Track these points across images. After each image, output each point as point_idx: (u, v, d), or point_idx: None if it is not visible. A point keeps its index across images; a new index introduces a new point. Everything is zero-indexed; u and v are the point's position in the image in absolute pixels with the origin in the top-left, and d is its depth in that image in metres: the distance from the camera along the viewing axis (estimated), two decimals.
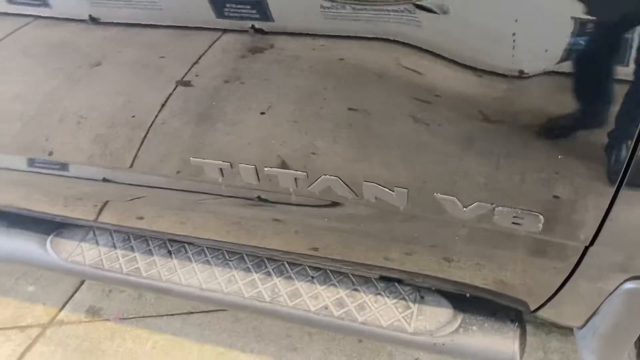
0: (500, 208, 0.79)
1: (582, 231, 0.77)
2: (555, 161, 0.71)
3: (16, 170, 1.17)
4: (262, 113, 0.85)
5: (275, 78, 0.81)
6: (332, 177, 0.88)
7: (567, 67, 0.64)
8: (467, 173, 0.78)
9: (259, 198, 0.99)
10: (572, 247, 0.81)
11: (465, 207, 0.81)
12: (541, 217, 0.77)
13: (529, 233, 0.81)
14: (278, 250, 1.14)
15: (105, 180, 1.10)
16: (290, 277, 1.17)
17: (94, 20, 0.89)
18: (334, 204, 0.94)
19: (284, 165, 0.89)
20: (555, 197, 0.75)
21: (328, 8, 0.72)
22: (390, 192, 0.85)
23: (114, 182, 1.09)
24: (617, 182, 0.70)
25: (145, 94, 0.93)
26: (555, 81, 0.65)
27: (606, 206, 0.73)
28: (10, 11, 0.94)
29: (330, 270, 1.17)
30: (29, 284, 1.72)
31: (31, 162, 1.14)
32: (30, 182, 1.19)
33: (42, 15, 0.92)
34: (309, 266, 1.19)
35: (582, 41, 0.62)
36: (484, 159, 0.75)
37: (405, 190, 0.84)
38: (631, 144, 0.67)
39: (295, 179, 0.90)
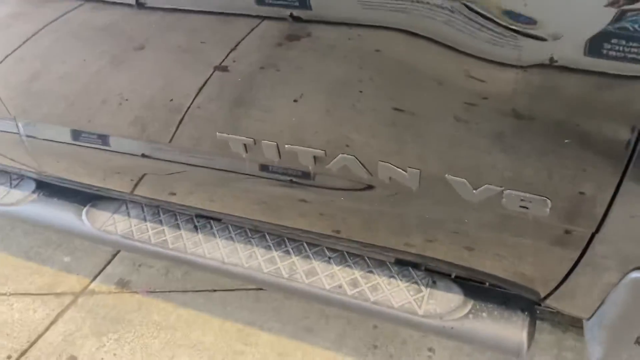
0: (508, 191, 0.82)
1: (588, 217, 0.79)
2: (562, 146, 0.74)
3: (61, 142, 1.25)
4: (295, 101, 0.90)
5: (309, 66, 0.86)
6: (349, 155, 0.92)
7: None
8: (476, 156, 0.81)
9: (291, 181, 1.04)
10: (579, 233, 0.83)
11: (475, 189, 0.84)
12: (548, 201, 0.80)
13: (537, 217, 0.83)
14: (300, 230, 1.18)
15: (144, 155, 1.17)
16: (308, 257, 1.22)
17: (140, 4, 0.95)
18: (356, 187, 0.98)
19: (304, 143, 0.94)
20: (562, 181, 0.77)
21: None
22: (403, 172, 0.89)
23: (152, 157, 1.16)
24: (622, 172, 0.72)
25: (185, 77, 0.99)
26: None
27: (611, 194, 0.75)
28: None
29: (347, 252, 1.21)
30: (64, 255, 1.81)
31: (76, 135, 1.22)
32: (74, 154, 1.27)
33: None
34: (327, 247, 1.23)
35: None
36: (493, 142, 0.78)
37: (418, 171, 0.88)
38: (634, 134, 0.68)
39: (315, 157, 0.94)
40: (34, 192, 1.49)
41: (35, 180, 1.50)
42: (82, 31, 1.05)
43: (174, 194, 1.26)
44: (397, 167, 0.90)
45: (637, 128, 0.68)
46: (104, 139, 1.19)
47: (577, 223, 0.81)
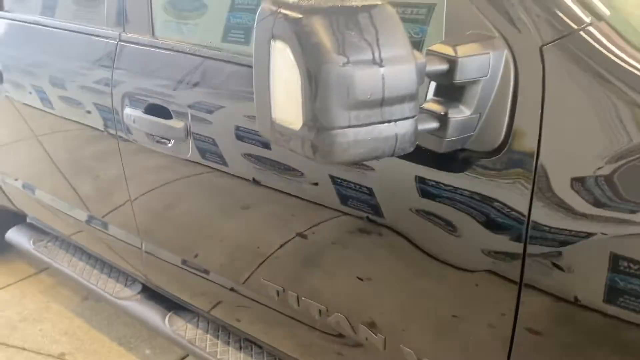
0: None
1: None
2: None
3: (173, 264, 1.71)
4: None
5: None
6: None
7: None
8: None
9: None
10: None
11: None
12: None
13: None
14: None
15: (232, 289, 1.58)
16: None
17: (256, 182, 1.35)
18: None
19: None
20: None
21: None
22: None
23: (236, 292, 1.57)
24: None
25: (271, 235, 1.39)
26: None
27: None
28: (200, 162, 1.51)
29: None
30: (147, 348, 2.25)
31: (184, 262, 1.68)
32: (179, 276, 1.72)
33: (221, 169, 1.42)
34: None
35: None
36: None
37: None
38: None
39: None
40: (139, 293, 1.98)
41: (142, 284, 1.99)
42: (211, 189, 1.52)
43: (239, 320, 1.65)
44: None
45: None
46: (206, 272, 1.63)
47: None
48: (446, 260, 1.05)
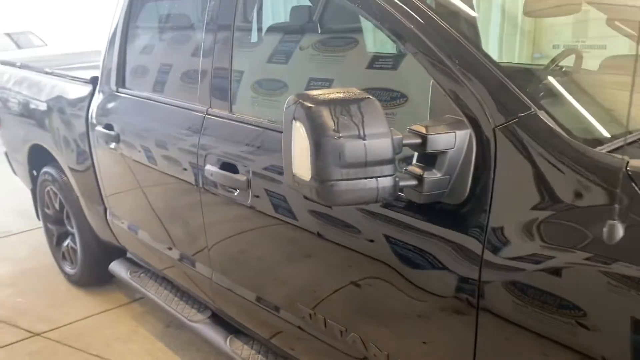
0: None
1: None
2: None
3: (242, 297, 2.08)
4: None
5: None
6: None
7: None
8: None
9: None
10: None
11: None
12: None
13: None
14: None
15: (295, 325, 1.91)
16: None
17: (320, 235, 1.74)
18: None
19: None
20: None
21: None
22: None
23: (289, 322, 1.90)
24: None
25: (328, 283, 1.71)
26: None
27: None
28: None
29: None
30: None
31: (256, 298, 2.05)
32: (245, 307, 2.08)
33: (272, 215, 1.88)
34: None
35: None
36: None
37: None
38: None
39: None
40: (209, 317, 2.38)
41: (211, 310, 2.39)
42: (267, 233, 1.91)
43: (293, 349, 1.98)
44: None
45: None
46: (272, 307, 1.97)
47: None
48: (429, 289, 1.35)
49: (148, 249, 2.63)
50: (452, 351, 1.34)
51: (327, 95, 1.17)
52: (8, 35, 14.64)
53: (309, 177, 1.18)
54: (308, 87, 1.80)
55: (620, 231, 0.99)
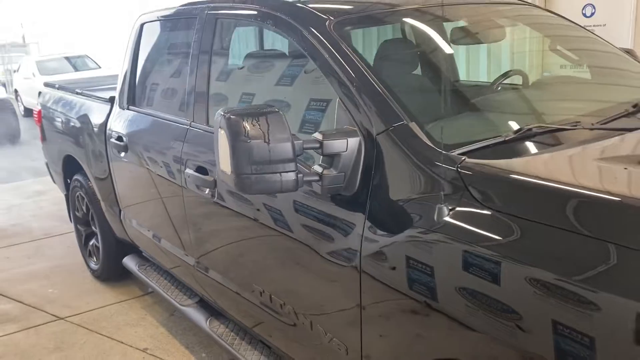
0: None
1: None
2: None
3: (223, 286, 2.48)
4: None
5: None
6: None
7: None
8: None
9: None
10: None
11: None
12: None
13: None
14: None
15: (254, 303, 2.32)
16: None
17: (254, 219, 2.17)
18: None
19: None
20: None
21: None
22: None
23: (250, 301, 2.29)
24: None
25: (270, 264, 2.10)
26: None
27: None
28: None
29: None
30: (203, 352, 2.99)
31: (226, 281, 2.45)
32: (224, 294, 2.48)
33: (233, 209, 2.27)
34: None
35: None
36: None
37: None
38: None
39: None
40: (196, 302, 2.76)
41: (199, 295, 2.78)
42: (227, 222, 2.30)
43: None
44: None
45: None
46: (235, 288, 2.38)
47: None
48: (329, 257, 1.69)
49: (151, 244, 3.06)
50: (348, 307, 1.66)
51: (243, 110, 1.55)
52: (67, 58, 15.89)
53: (230, 171, 1.55)
54: (240, 101, 2.21)
55: (445, 212, 1.33)
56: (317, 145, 1.60)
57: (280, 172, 1.53)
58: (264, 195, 1.89)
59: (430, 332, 1.40)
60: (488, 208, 1.31)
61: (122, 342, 3.14)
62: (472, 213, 1.33)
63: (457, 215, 1.35)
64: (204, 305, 2.72)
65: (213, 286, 2.48)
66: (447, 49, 2.30)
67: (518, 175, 1.35)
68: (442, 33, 2.26)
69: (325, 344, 1.80)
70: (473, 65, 3.29)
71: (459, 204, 1.36)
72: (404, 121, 1.57)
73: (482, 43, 2.52)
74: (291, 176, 1.54)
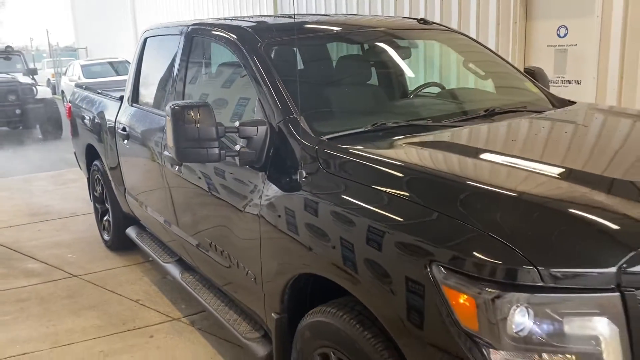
0: None
1: None
2: None
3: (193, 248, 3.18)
4: None
5: None
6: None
7: None
8: None
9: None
10: None
11: None
12: None
13: None
14: None
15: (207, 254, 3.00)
16: None
17: (200, 187, 2.85)
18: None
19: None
20: None
21: None
22: None
23: (205, 253, 2.98)
24: None
25: (212, 219, 2.81)
26: None
27: None
28: None
29: None
30: (183, 304, 3.67)
31: (192, 239, 3.13)
32: (199, 258, 3.18)
33: (189, 180, 2.96)
34: None
35: None
36: None
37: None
38: None
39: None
40: (176, 260, 3.45)
41: (178, 255, 3.46)
42: (188, 190, 3.00)
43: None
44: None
45: None
46: (196, 244, 3.07)
47: None
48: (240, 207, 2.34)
49: (142, 212, 3.78)
50: (254, 245, 2.30)
51: (184, 103, 2.23)
52: (110, 63, 17.19)
53: (172, 145, 2.23)
54: (199, 98, 2.95)
55: (304, 174, 1.98)
56: (236, 130, 2.26)
57: (206, 148, 2.21)
58: (204, 167, 2.57)
59: (295, 254, 2.04)
60: (328, 173, 1.96)
61: (120, 295, 3.87)
62: (318, 175, 1.98)
63: (310, 177, 1.99)
64: (181, 262, 3.41)
65: (177, 241, 3.18)
66: (348, 63, 2.96)
67: (349, 152, 1.99)
68: (349, 51, 2.93)
69: (244, 277, 2.45)
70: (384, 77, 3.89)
71: (311, 170, 2.00)
72: (295, 115, 2.22)
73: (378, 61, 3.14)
74: (215, 151, 2.21)
